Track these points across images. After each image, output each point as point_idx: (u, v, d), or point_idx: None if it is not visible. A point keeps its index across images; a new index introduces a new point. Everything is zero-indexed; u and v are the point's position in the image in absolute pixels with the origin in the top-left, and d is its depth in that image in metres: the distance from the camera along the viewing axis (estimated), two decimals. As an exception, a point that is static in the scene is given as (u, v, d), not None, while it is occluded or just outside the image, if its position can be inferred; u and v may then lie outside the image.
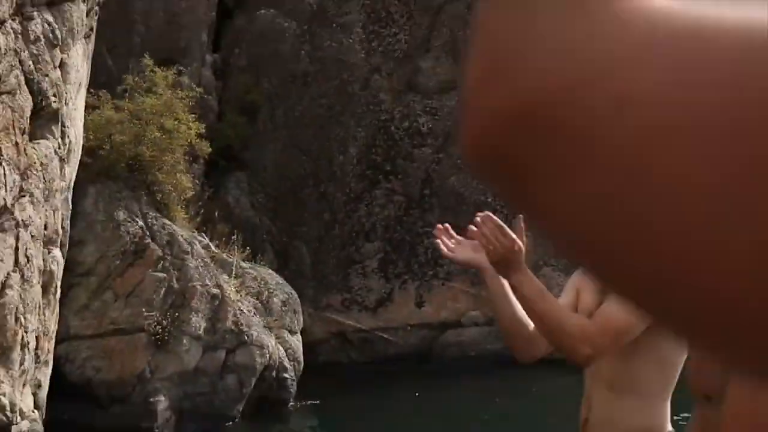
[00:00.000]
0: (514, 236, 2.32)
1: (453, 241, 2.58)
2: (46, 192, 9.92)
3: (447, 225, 2.65)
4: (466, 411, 14.19)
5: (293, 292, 14.49)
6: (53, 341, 10.61)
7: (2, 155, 8.83)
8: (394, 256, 16.88)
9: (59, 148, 10.14)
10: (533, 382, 14.39)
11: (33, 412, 9.85)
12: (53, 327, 10.45)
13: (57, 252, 10.38)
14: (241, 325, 13.10)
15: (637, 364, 2.46)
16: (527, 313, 2.43)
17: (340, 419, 14.05)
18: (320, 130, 16.85)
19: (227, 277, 13.58)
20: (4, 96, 9.17)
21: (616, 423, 2.52)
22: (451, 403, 14.39)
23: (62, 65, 10.17)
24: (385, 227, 16.97)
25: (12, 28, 9.17)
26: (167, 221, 13.24)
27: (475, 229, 2.40)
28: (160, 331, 12.24)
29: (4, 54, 8.95)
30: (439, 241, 2.59)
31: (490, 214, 2.40)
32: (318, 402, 14.03)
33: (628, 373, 2.48)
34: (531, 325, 2.45)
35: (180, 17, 16.36)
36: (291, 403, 13.67)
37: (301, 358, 13.95)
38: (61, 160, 10.18)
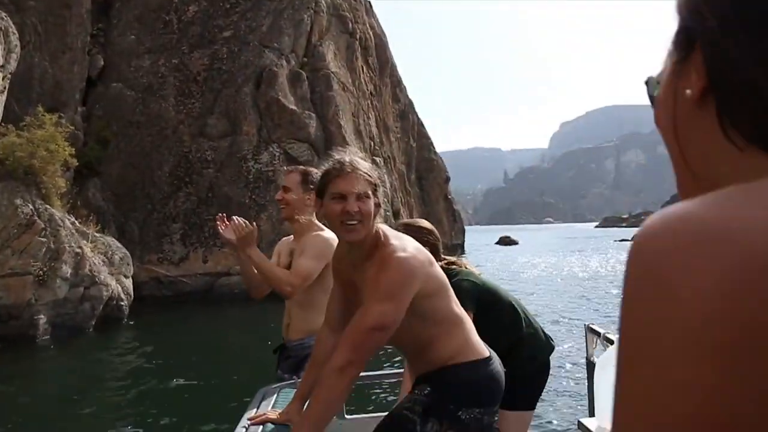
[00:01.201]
0: (250, 227, 3.23)
1: (224, 225, 3.37)
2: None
3: (223, 215, 3.42)
4: (233, 326, 16.82)
5: (127, 252, 17.67)
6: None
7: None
8: (190, 232, 22.38)
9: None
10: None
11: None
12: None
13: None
14: (94, 271, 15.45)
15: (312, 293, 3.36)
16: (257, 270, 3.31)
17: (155, 330, 16.36)
18: (147, 156, 22.81)
19: (86, 242, 15.93)
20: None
21: (302, 325, 3.46)
22: (225, 321, 17.23)
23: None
24: (185, 215, 22.50)
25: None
26: (48, 206, 15.37)
27: (233, 221, 3.24)
28: (42, 274, 14.34)
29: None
30: (218, 224, 3.39)
31: (234, 218, 3.26)
32: (142, 319, 16.85)
33: (306, 298, 3.38)
34: (258, 277, 3.38)
35: (62, 83, 21.97)
36: (124, 321, 16.38)
37: (132, 293, 17.14)
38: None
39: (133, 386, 10.58)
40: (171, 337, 15.55)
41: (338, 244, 2.41)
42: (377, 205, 2.21)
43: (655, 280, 0.42)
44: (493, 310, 3.11)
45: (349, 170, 2.17)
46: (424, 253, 2.23)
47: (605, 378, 2.47)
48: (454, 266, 3.21)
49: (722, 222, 0.41)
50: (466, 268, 3.25)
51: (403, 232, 2.39)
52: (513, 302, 3.20)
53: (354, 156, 2.25)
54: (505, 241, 71.74)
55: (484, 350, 2.34)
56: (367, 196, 2.17)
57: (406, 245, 2.19)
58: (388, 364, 10.27)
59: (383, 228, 2.24)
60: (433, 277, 2.21)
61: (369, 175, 2.20)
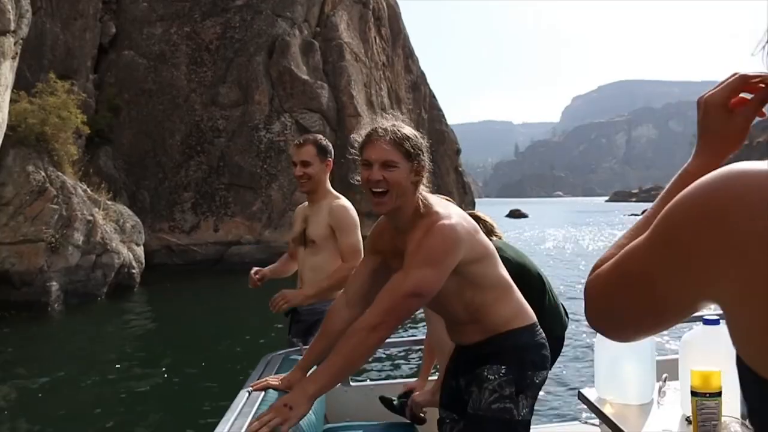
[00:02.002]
0: (279, 298, 3.48)
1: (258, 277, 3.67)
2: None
3: (256, 275, 3.66)
4: (243, 295, 15.53)
5: (138, 220, 17.96)
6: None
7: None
8: (201, 201, 22.48)
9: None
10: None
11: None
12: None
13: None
14: (106, 239, 15.67)
15: (323, 257, 3.57)
16: (323, 294, 3.48)
17: (166, 298, 16.76)
18: (158, 124, 22.83)
19: (97, 210, 16.11)
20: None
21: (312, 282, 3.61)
22: (235, 290, 16.84)
23: (-2, 75, 12.99)
24: (196, 184, 22.62)
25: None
26: (60, 173, 15.48)
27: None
28: (54, 241, 14.45)
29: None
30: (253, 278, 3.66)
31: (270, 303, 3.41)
32: (152, 287, 17.13)
33: (317, 262, 3.59)
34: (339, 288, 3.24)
35: (74, 50, 21.94)
36: (135, 288, 16.55)
37: (143, 261, 17.39)
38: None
39: (142, 352, 10.75)
40: (182, 305, 15.76)
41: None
42: (416, 173, 2.12)
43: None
44: (523, 282, 3.10)
45: (376, 137, 2.10)
46: (470, 221, 2.19)
47: (605, 349, 2.48)
48: (493, 236, 3.19)
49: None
50: (501, 238, 3.26)
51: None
52: (541, 275, 3.19)
53: (396, 121, 2.16)
54: (515, 214, 71.80)
55: (533, 314, 2.34)
56: (394, 165, 2.08)
57: (451, 212, 2.14)
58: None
59: (427, 196, 2.17)
60: (478, 244, 2.17)
61: (403, 143, 2.10)
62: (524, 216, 70.89)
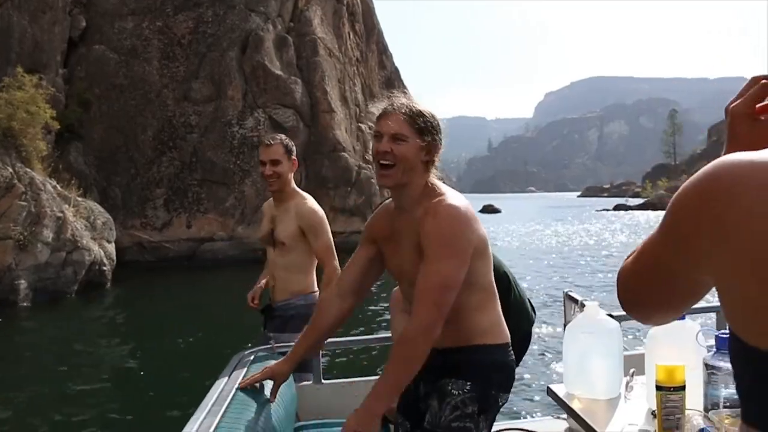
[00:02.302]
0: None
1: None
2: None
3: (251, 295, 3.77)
4: (216, 292, 16.85)
5: (110, 217, 17.88)
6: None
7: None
8: (173, 197, 22.45)
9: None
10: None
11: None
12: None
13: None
14: (76, 236, 15.51)
15: (295, 256, 3.67)
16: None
17: (138, 295, 16.64)
18: (130, 120, 22.68)
19: (68, 206, 15.97)
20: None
21: (286, 286, 3.72)
22: (207, 286, 17.98)
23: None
24: (168, 180, 22.55)
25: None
26: (29, 169, 15.40)
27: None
28: (22, 238, 14.36)
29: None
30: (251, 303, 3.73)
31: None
32: (124, 284, 17.01)
33: (290, 261, 3.69)
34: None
35: (42, 44, 21.60)
36: (107, 286, 16.45)
37: (114, 258, 17.28)
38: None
39: (111, 350, 10.67)
40: (153, 302, 15.69)
41: (386, 203, 2.31)
42: (427, 152, 2.09)
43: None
44: None
45: (390, 110, 2.08)
46: (471, 208, 2.13)
47: (573, 345, 2.47)
48: None
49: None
50: None
51: None
52: (506, 270, 3.10)
53: (411, 99, 2.13)
54: (489, 209, 72.23)
55: (509, 333, 2.23)
56: (403, 139, 2.04)
57: (458, 196, 2.10)
58: (362, 328, 10.43)
59: (437, 182, 2.13)
60: (482, 235, 2.10)
61: (415, 118, 2.06)
62: (497, 211, 71.42)
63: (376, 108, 2.16)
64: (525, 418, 5.19)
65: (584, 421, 2.19)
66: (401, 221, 2.13)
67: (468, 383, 2.09)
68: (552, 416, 3.60)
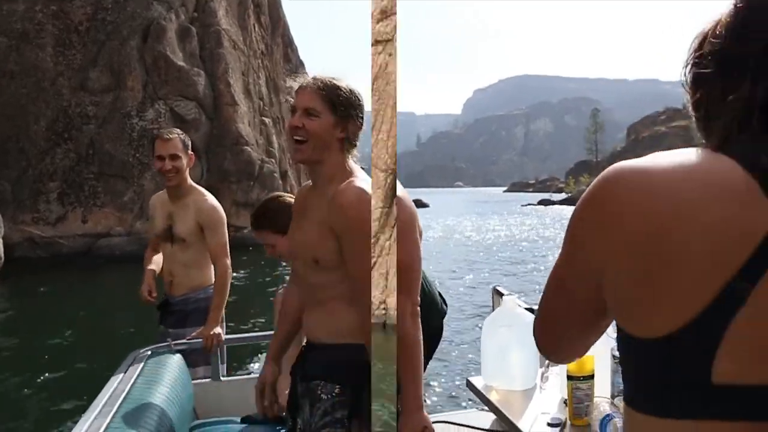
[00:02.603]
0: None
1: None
2: None
3: (148, 292, 3.68)
4: (113, 288, 16.74)
5: None
6: None
7: None
8: (68, 191, 21.75)
9: None
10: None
11: None
12: None
13: None
14: None
15: (194, 253, 3.71)
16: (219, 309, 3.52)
17: (27, 293, 16.05)
18: (21, 108, 21.73)
19: None
20: None
21: (186, 281, 3.75)
22: (102, 283, 17.59)
23: None
24: (63, 172, 21.85)
25: None
26: None
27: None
28: None
29: None
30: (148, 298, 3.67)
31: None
32: (12, 280, 16.76)
33: (189, 257, 3.72)
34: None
35: None
36: None
37: (2, 254, 16.75)
38: None
39: None
40: (44, 300, 15.18)
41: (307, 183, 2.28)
42: (343, 129, 2.02)
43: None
44: None
45: (305, 84, 2.03)
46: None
47: (491, 339, 2.55)
48: None
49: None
50: None
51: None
52: None
53: (335, 78, 2.04)
54: (417, 204, 72.25)
55: None
56: (315, 114, 1.99)
57: (369, 180, 2.01)
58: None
59: (353, 164, 2.08)
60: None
61: (330, 94, 2.00)
62: (425, 206, 72.30)
63: (296, 82, 2.13)
64: (449, 410, 5.03)
65: (501, 411, 2.31)
66: (313, 198, 2.11)
67: (337, 386, 2.02)
68: (476, 408, 3.60)
